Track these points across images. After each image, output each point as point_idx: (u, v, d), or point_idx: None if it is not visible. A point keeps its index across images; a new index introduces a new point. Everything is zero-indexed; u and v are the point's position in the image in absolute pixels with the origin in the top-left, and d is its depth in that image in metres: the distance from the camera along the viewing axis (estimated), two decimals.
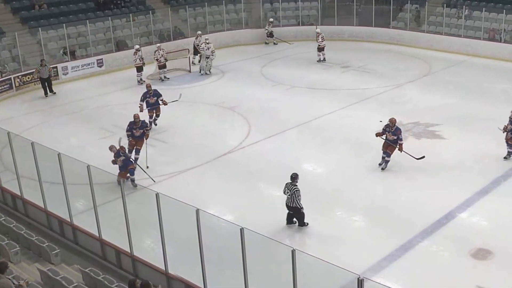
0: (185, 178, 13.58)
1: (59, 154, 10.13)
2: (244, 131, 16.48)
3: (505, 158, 13.80)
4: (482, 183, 12.80)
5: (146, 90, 16.32)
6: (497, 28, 24.95)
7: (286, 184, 10.94)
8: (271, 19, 28.07)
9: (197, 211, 8.08)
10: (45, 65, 20.14)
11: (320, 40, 24.31)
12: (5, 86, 20.42)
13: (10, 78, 20.66)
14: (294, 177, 10.95)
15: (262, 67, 24.26)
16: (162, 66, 22.02)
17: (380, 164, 13.52)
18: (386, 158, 13.39)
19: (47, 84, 20.30)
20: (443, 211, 11.59)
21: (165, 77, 22.21)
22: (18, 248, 9.51)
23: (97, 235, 10.12)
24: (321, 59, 24.54)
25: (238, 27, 28.51)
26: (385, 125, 13.48)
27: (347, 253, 10.16)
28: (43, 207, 11.19)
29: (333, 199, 12.23)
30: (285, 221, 11.21)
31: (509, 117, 13.61)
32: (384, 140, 13.40)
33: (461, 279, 9.53)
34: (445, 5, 26.54)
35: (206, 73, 22.89)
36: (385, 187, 12.99)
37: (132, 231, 9.56)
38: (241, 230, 7.47)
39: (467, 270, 9.81)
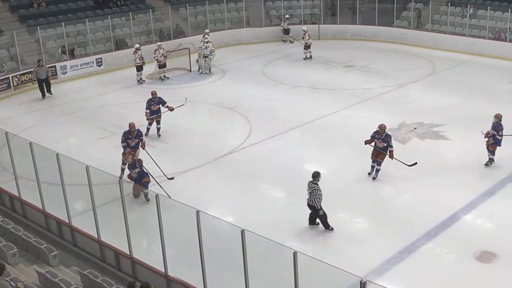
0: (185, 179, 13.58)
1: (57, 155, 10.14)
2: (245, 131, 16.49)
3: (486, 164, 13.60)
4: (487, 184, 12.80)
5: (151, 97, 15.83)
6: (503, 27, 24.93)
7: (308, 182, 10.95)
8: (287, 16, 28.13)
9: (198, 212, 8.09)
10: (42, 65, 19.99)
11: (307, 38, 24.66)
12: (3, 86, 20.43)
13: (8, 77, 20.68)
14: (316, 175, 10.95)
15: (264, 67, 24.29)
16: (162, 66, 22.04)
17: (369, 174, 13.20)
18: (377, 167, 13.02)
19: (45, 84, 20.10)
20: (447, 212, 11.58)
21: (165, 76, 22.23)
22: (16, 249, 9.52)
23: (96, 236, 10.12)
24: (308, 56, 24.86)
25: (239, 26, 28.51)
26: (374, 132, 13.03)
27: (349, 255, 10.16)
28: (41, 208, 11.20)
29: (335, 200, 12.20)
30: (286, 222, 11.23)
31: (492, 123, 13.45)
32: (373, 148, 13.03)
33: (465, 282, 9.51)
34: (449, 3, 26.53)
35: (206, 73, 22.91)
36: (388, 188, 12.96)
37: (131, 232, 9.56)
38: (242, 231, 7.47)
39: (471, 273, 9.79)
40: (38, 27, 22.57)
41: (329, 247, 10.64)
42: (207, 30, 24.59)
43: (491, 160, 13.61)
